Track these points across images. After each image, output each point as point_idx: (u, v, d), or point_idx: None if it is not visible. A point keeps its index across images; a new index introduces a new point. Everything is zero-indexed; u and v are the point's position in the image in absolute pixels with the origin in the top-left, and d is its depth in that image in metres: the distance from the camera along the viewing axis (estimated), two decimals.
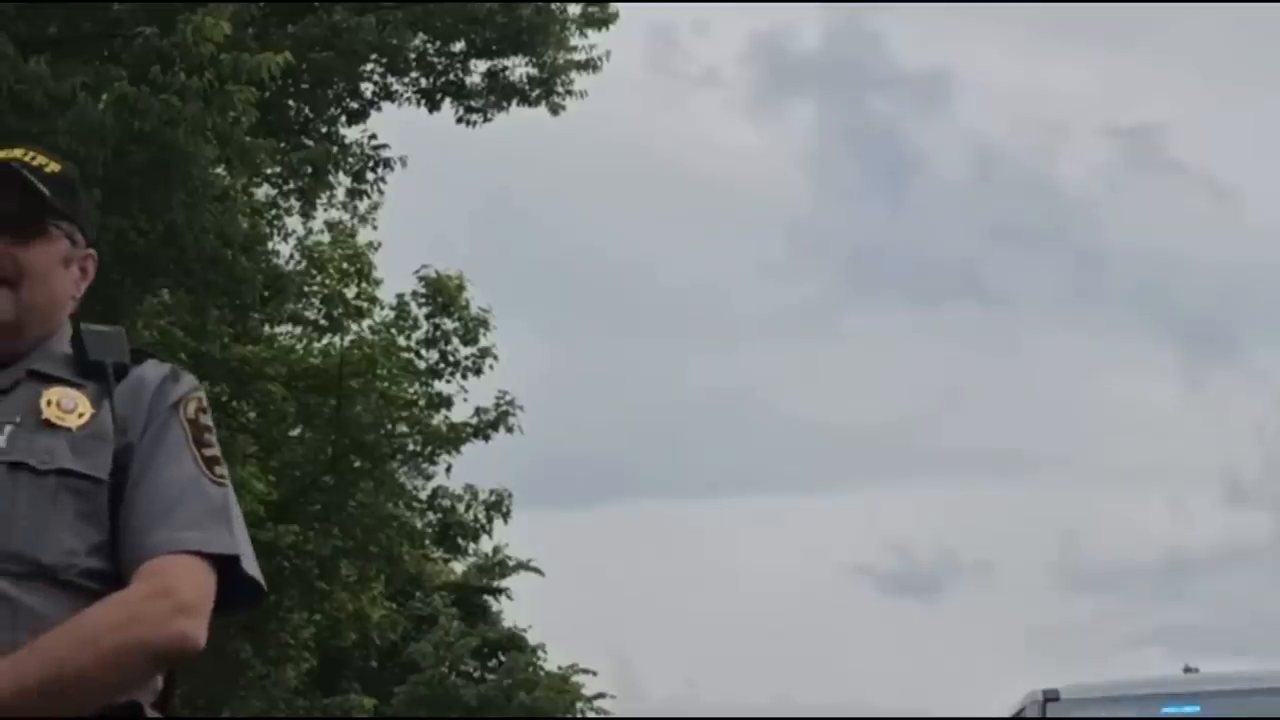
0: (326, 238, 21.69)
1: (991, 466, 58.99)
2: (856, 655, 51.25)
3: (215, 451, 2.68)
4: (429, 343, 22.33)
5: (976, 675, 43.07)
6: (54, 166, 2.77)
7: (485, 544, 28.63)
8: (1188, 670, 11.32)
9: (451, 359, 22.22)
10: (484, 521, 24.03)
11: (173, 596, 2.50)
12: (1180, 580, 54.51)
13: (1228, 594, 52.21)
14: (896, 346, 57.67)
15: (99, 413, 2.63)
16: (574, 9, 18.18)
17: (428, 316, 22.32)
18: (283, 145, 16.75)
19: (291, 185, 19.05)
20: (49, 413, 2.61)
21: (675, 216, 56.21)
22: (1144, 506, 59.96)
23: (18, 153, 2.75)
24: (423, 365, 22.32)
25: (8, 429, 2.58)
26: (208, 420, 2.71)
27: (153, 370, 2.71)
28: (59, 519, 2.54)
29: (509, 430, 22.06)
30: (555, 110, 18.47)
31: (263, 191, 18.67)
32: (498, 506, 23.82)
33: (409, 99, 18.56)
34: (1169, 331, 62.46)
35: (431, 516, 24.30)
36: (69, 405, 2.63)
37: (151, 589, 2.50)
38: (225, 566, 2.59)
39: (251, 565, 2.64)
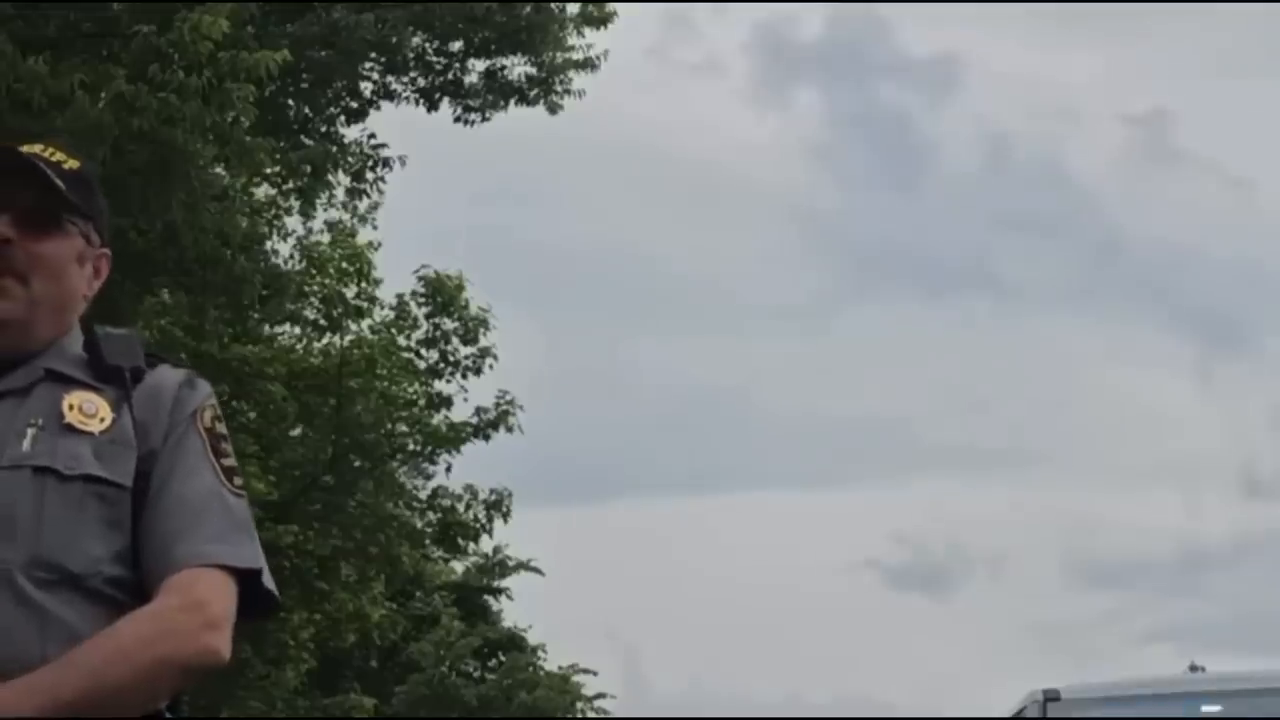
0: (326, 237, 21.67)
1: (1002, 460, 58.43)
2: (864, 650, 51.14)
3: (232, 461, 2.66)
4: (429, 342, 22.33)
5: (985, 671, 43.03)
6: (73, 163, 2.73)
7: (485, 544, 28.62)
8: (1194, 669, 11.21)
9: (451, 359, 22.23)
10: (484, 521, 24.01)
11: (203, 611, 2.49)
12: (1194, 576, 54.27)
13: (1243, 589, 51.97)
14: (906, 339, 57.30)
15: (119, 418, 2.59)
16: (573, 8, 18.19)
17: (427, 316, 22.33)
18: (282, 144, 16.72)
19: (291, 185, 19.02)
20: (71, 417, 2.56)
21: (678, 211, 56.02)
22: (1157, 500, 59.69)
23: (38, 148, 2.72)
24: (423, 365, 22.32)
25: (30, 432, 2.54)
26: (223, 429, 2.69)
27: (169, 376, 2.68)
28: (86, 526, 2.50)
29: (509, 430, 22.08)
30: (553, 110, 18.48)
31: (262, 191, 18.65)
32: (498, 506, 23.80)
33: (408, 98, 18.55)
34: (1182, 323, 62.04)
35: (431, 516, 24.27)
36: (90, 410, 2.58)
37: (182, 603, 2.48)
38: (244, 579, 2.58)
39: (269, 579, 2.63)
